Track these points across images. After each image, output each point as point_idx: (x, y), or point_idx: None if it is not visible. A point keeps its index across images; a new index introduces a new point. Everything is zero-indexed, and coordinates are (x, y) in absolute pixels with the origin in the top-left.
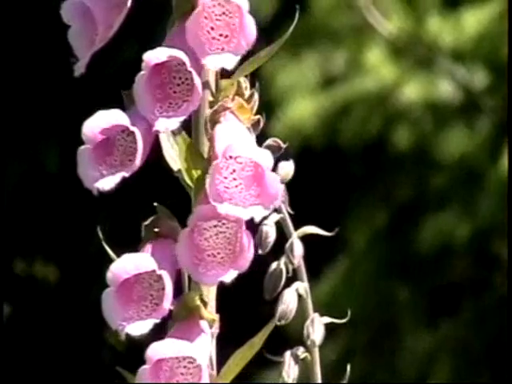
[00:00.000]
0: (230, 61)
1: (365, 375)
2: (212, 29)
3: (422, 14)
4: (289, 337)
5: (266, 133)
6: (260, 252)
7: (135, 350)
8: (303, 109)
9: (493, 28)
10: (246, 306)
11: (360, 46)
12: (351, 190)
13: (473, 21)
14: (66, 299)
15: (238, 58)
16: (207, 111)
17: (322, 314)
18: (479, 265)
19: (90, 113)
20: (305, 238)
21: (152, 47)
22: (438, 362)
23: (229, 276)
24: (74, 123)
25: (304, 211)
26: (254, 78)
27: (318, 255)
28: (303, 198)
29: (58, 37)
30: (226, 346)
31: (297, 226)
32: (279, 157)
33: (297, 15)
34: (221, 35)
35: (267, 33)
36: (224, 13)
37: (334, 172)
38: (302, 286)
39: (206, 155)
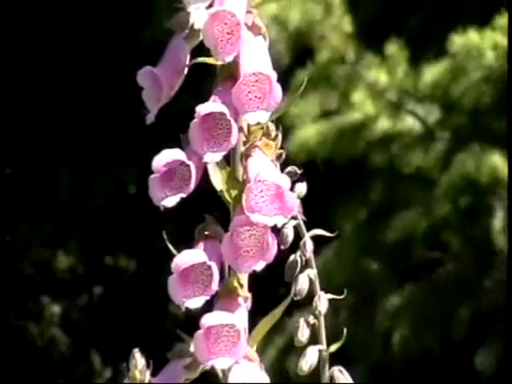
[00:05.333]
0: (263, 117)
1: (350, 327)
2: (249, 92)
3: (393, 68)
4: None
5: (284, 149)
6: (282, 247)
7: (191, 318)
8: (308, 134)
9: (444, 78)
10: (268, 286)
11: (349, 90)
12: (341, 192)
13: (430, 73)
14: (141, 283)
15: (270, 114)
16: (241, 148)
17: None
18: (433, 249)
19: (159, 148)
20: (308, 229)
21: (200, 101)
22: (403, 318)
23: (259, 266)
24: (148, 156)
25: (308, 208)
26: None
27: (316, 240)
28: (309, 198)
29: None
30: (253, 316)
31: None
32: (295, 176)
33: (305, 73)
34: (256, 97)
35: (285, 75)
36: (257, 80)
37: (329, 179)
38: (312, 272)
39: (240, 179)
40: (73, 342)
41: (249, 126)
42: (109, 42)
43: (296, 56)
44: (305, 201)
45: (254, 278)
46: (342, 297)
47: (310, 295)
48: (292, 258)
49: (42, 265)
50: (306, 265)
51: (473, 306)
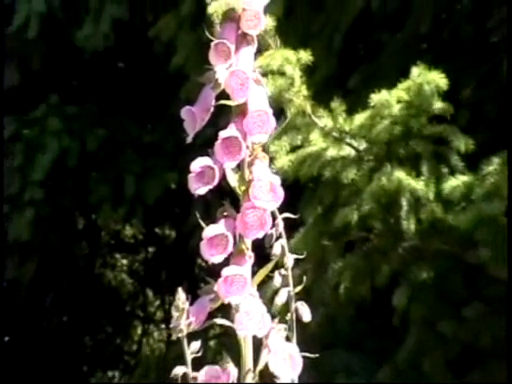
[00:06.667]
0: (264, 138)
1: (312, 283)
2: (254, 122)
3: (336, 117)
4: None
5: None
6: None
7: (215, 269)
8: (283, 163)
9: (368, 122)
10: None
11: (308, 133)
12: (305, 197)
13: (358, 120)
14: (179, 246)
15: (268, 136)
16: (248, 159)
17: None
18: (363, 230)
19: (193, 158)
20: (284, 221)
21: (221, 129)
22: (345, 276)
23: (260, 235)
24: (187, 162)
25: (283, 208)
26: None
27: (290, 227)
28: (284, 202)
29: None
30: (254, 268)
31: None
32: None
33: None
34: (258, 125)
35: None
36: (259, 114)
37: (297, 190)
38: (284, 241)
39: (247, 179)
40: (135, 283)
41: (253, 145)
42: (158, 94)
43: (273, 113)
44: (281, 204)
45: (256, 243)
46: (302, 256)
47: (282, 256)
48: (269, 231)
49: (115, 234)
50: (280, 236)
51: (390, 265)
